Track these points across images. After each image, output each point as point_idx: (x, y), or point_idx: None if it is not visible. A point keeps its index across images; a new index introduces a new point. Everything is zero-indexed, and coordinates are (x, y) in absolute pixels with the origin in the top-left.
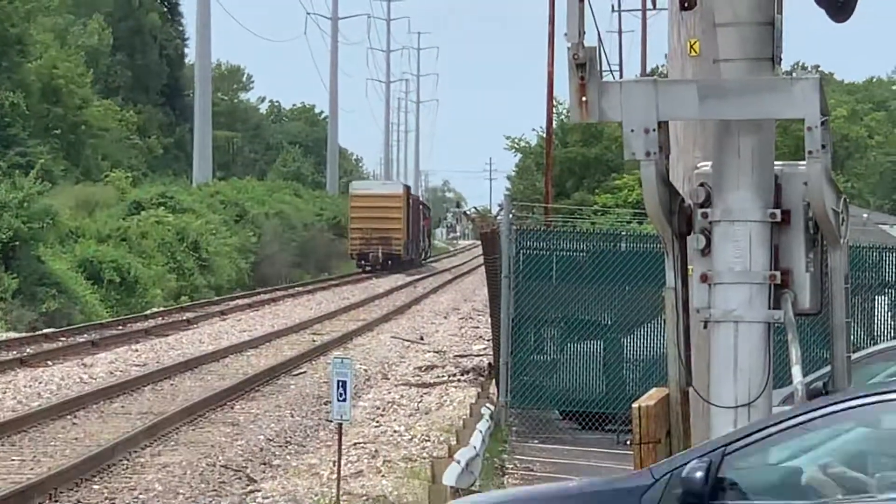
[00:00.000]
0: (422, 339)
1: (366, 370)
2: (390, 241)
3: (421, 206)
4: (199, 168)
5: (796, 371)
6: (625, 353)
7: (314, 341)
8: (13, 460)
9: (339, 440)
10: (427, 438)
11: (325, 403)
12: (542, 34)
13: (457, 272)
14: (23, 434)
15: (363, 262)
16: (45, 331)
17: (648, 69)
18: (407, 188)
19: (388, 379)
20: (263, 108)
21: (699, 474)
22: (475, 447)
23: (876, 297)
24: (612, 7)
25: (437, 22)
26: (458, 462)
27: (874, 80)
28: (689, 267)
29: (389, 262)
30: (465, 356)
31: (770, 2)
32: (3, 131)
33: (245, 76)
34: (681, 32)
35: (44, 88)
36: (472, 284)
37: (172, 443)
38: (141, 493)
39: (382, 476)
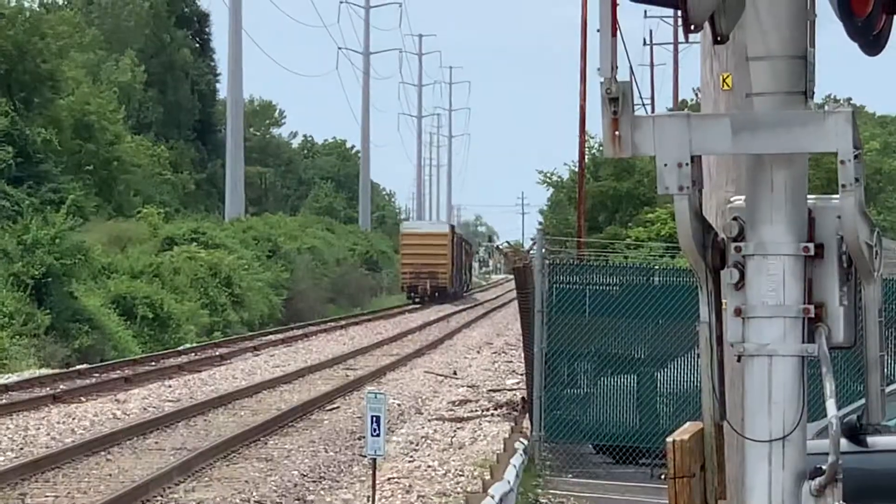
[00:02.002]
0: (455, 373)
1: (399, 405)
2: (437, 275)
3: (463, 243)
4: (231, 203)
5: (830, 404)
6: (658, 386)
7: (347, 376)
8: (47, 496)
9: (374, 475)
10: (461, 473)
11: (359, 438)
12: (574, 69)
13: (489, 306)
14: (56, 470)
15: (413, 294)
16: (78, 367)
17: (679, 102)
18: (452, 227)
19: (422, 414)
20: (296, 143)
21: None
22: (509, 482)
23: None
24: (644, 41)
25: (469, 56)
26: (493, 497)
27: None
28: (723, 301)
29: (437, 294)
30: (499, 390)
31: (802, 35)
32: (36, 167)
33: (277, 111)
34: (713, 66)
35: (76, 125)
36: (504, 319)
37: (206, 478)
38: None
39: None
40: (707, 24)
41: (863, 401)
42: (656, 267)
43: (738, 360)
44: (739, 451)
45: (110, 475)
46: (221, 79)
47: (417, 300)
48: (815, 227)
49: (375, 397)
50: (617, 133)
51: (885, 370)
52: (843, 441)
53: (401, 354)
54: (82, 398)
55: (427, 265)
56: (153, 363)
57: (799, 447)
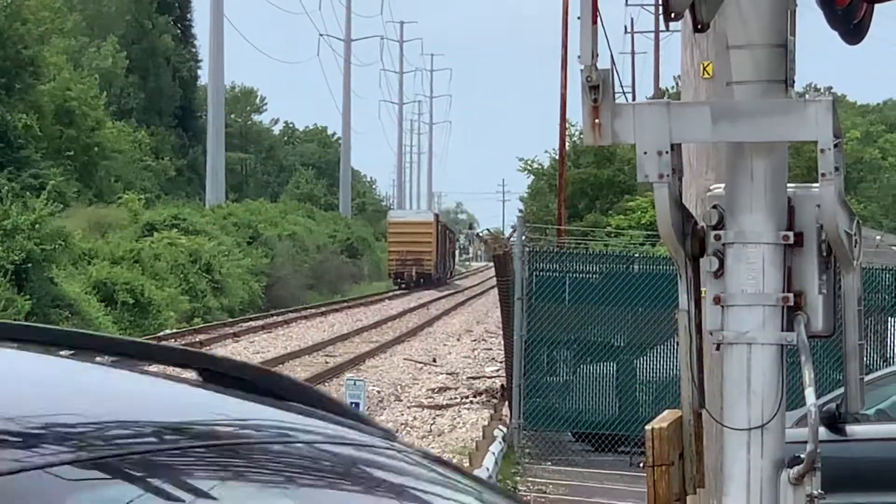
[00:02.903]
0: (434, 360)
1: (379, 392)
2: (422, 261)
3: (447, 231)
4: (211, 190)
5: (809, 393)
6: (638, 374)
7: (327, 363)
8: None
9: None
10: None
11: None
12: (554, 56)
13: (470, 293)
14: None
15: (399, 279)
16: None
17: (660, 90)
18: (436, 216)
19: (401, 401)
20: (277, 129)
21: None
22: (488, 469)
23: (889, 319)
24: (626, 29)
25: (450, 44)
26: None
27: (888, 102)
28: (703, 289)
29: (422, 280)
30: (478, 378)
31: (783, 24)
32: (17, 153)
33: (258, 98)
34: (694, 54)
35: (57, 110)
36: (484, 306)
37: None
38: None
39: None
40: (688, 13)
41: (842, 389)
42: (636, 255)
43: (717, 349)
44: (718, 439)
45: None
46: (203, 65)
47: (403, 286)
48: (795, 216)
49: (354, 384)
50: (597, 121)
51: (865, 359)
52: (822, 430)
53: (380, 341)
54: None
55: (413, 252)
56: None
57: (777, 436)
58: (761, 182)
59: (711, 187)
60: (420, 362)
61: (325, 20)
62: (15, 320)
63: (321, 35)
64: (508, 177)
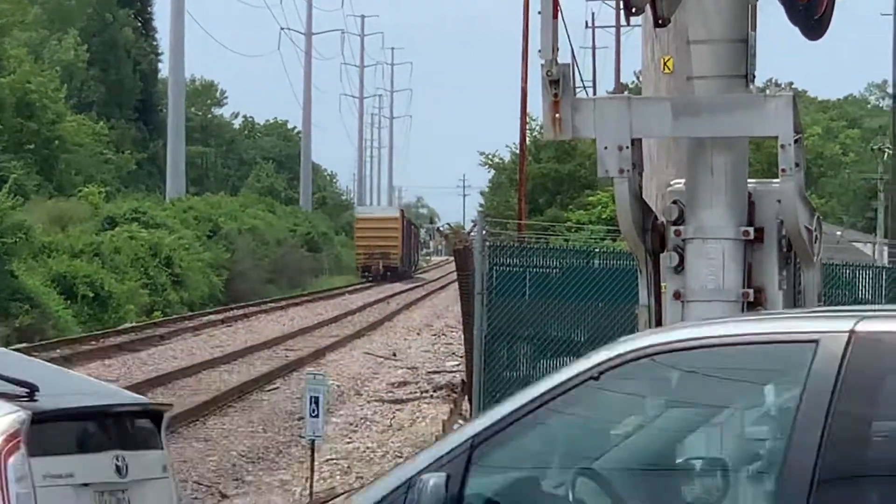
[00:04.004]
0: (394, 355)
1: (339, 386)
2: (389, 255)
3: (412, 226)
4: (172, 183)
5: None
6: None
7: (287, 357)
8: None
9: (312, 456)
10: (400, 454)
11: (298, 419)
12: (516, 51)
13: (430, 288)
14: None
15: (366, 273)
16: (17, 346)
17: (621, 85)
18: (402, 211)
19: (361, 395)
20: (237, 123)
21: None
22: None
23: None
24: (587, 23)
25: (412, 38)
26: None
27: (849, 97)
28: (663, 284)
29: (388, 273)
30: (438, 372)
31: (744, 19)
32: None
33: (219, 91)
34: (654, 49)
35: (17, 103)
36: (444, 301)
37: None
38: None
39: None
40: (648, 8)
41: None
42: (597, 250)
43: None
44: None
45: None
46: (163, 58)
47: (371, 278)
48: (756, 211)
49: (315, 378)
50: (557, 115)
51: None
52: None
53: (340, 336)
54: None
55: (380, 246)
56: (93, 342)
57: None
58: (722, 177)
59: (672, 182)
60: (380, 357)
61: (286, 14)
62: None
63: (282, 29)
64: (469, 171)
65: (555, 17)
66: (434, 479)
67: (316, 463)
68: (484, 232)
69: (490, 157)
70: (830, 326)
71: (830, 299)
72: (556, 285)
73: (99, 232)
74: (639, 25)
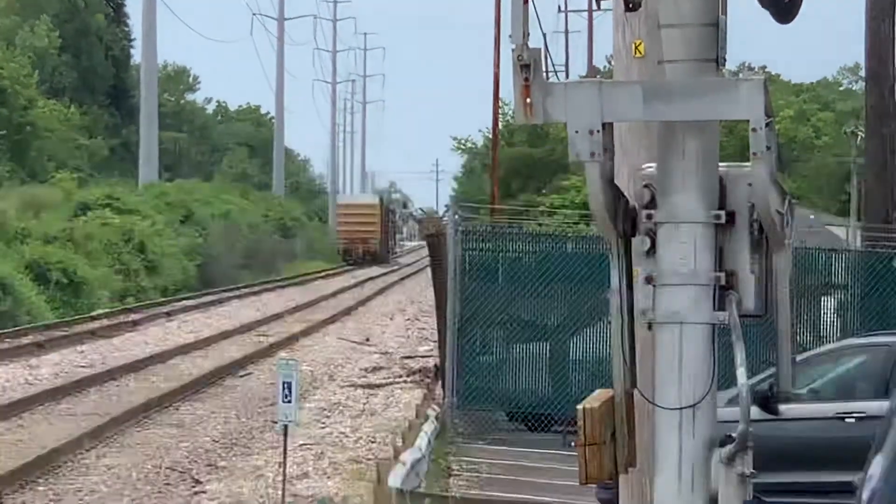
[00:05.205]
0: (368, 340)
1: (312, 371)
2: (368, 240)
3: (390, 213)
4: (145, 169)
5: (741, 373)
6: (570, 354)
7: (260, 342)
8: None
9: (285, 442)
10: (373, 440)
11: (271, 405)
12: (488, 35)
13: (403, 273)
14: None
15: (348, 257)
16: None
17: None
18: (381, 199)
19: (335, 380)
20: (210, 108)
21: None
22: (421, 449)
23: (822, 299)
24: (559, 7)
25: (384, 23)
26: (404, 463)
27: (821, 80)
28: (635, 269)
29: (368, 256)
30: (412, 357)
31: (714, 3)
32: None
33: (191, 77)
34: (625, 33)
35: None
36: (417, 286)
37: (118, 444)
38: (86, 495)
39: (328, 478)
40: None
41: (774, 369)
42: (570, 234)
43: (649, 328)
44: (650, 418)
45: (21, 441)
46: (136, 44)
47: (352, 262)
48: (727, 195)
49: (287, 364)
50: (528, 100)
51: (797, 339)
52: (755, 409)
53: (313, 321)
54: None
55: (360, 232)
56: (66, 328)
57: (709, 415)
58: (693, 161)
59: (643, 166)
60: (354, 342)
61: None
62: None
63: (254, 14)
64: (443, 156)
65: (525, 2)
66: None
67: (289, 448)
68: (457, 217)
69: (462, 141)
70: None
71: (803, 283)
72: (529, 270)
73: (72, 218)
74: (610, 9)
